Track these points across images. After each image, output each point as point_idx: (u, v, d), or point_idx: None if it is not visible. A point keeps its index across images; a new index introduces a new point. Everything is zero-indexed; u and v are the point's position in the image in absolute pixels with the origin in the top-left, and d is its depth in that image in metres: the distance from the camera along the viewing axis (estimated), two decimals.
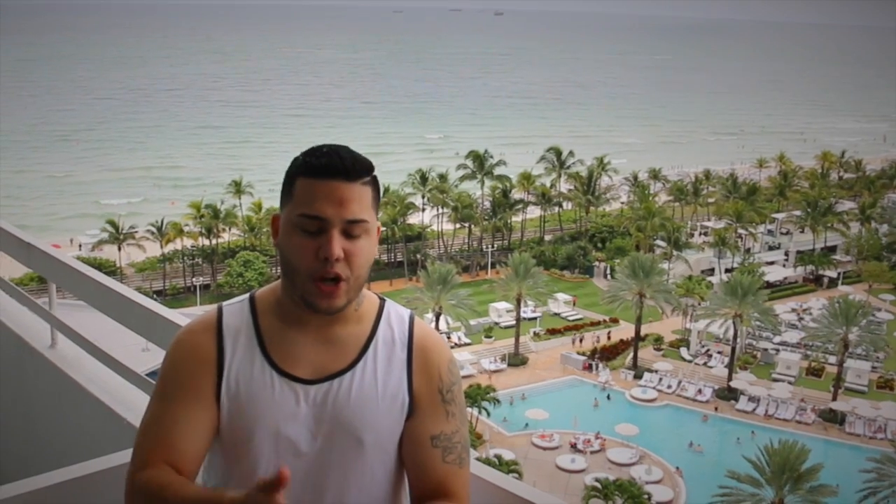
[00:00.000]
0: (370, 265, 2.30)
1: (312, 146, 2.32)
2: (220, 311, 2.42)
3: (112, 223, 72.15)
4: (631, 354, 62.07)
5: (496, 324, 67.43)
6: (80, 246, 77.74)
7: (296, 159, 2.31)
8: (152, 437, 2.30)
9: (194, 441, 2.30)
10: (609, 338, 65.71)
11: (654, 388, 58.67)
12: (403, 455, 2.41)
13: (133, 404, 4.34)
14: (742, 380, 58.51)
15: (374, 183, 2.32)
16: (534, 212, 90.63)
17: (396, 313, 2.44)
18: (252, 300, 2.43)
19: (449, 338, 63.44)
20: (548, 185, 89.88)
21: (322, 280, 2.22)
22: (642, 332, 63.36)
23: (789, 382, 58.65)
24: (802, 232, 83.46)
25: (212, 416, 2.31)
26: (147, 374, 4.43)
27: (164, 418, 2.30)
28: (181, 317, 3.93)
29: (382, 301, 2.46)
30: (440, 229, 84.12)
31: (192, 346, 2.36)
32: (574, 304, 71.54)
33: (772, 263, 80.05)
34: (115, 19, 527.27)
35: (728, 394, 57.52)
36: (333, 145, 2.30)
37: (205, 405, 2.31)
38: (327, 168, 2.24)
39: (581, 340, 64.62)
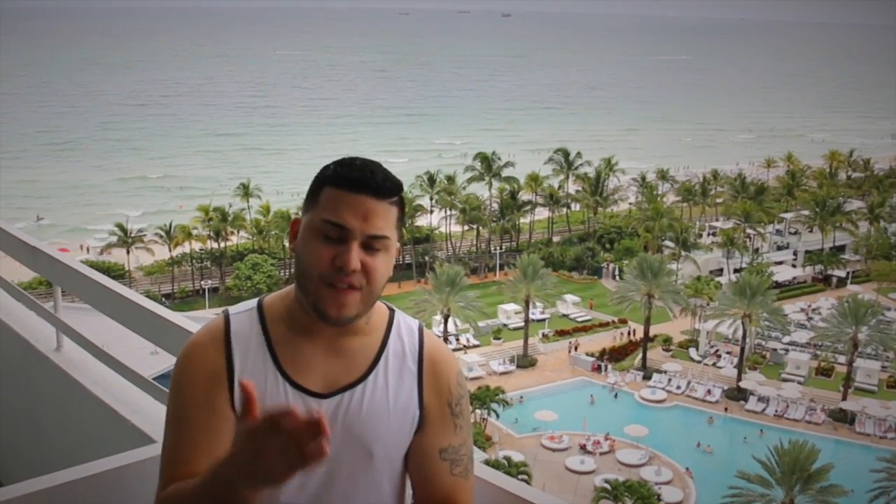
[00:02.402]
0: (385, 281, 2.28)
1: (344, 157, 2.30)
2: (227, 319, 2.37)
3: (120, 227, 72.39)
4: (640, 355, 62.03)
5: (505, 325, 67.44)
6: (87, 249, 77.99)
7: (326, 167, 2.29)
8: (174, 463, 2.27)
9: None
10: (633, 334, 65.48)
11: (663, 388, 58.62)
12: (410, 467, 2.41)
13: (138, 406, 4.37)
14: (751, 380, 58.42)
15: (401, 203, 2.31)
16: (542, 213, 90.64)
17: (406, 324, 2.43)
18: (260, 308, 2.39)
19: (458, 340, 63.49)
20: (556, 186, 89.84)
21: (335, 286, 2.19)
22: (651, 333, 63.32)
23: (799, 382, 58.56)
24: (811, 231, 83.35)
25: (231, 428, 2.22)
26: (155, 378, 4.45)
27: (183, 443, 2.27)
28: (186, 320, 3.95)
29: (392, 312, 2.44)
30: (448, 231, 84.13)
31: (200, 360, 2.32)
32: (591, 307, 71.43)
33: (780, 263, 79.92)
34: (118, 23, 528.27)
35: (737, 394, 57.46)
36: (367, 160, 2.29)
37: (222, 418, 2.27)
38: (358, 182, 2.22)
39: (576, 348, 64.09)
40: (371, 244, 2.21)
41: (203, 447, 2.25)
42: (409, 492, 2.50)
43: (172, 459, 2.28)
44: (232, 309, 2.42)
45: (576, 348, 64.02)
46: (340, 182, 2.23)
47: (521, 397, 55.81)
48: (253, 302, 2.42)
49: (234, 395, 2.28)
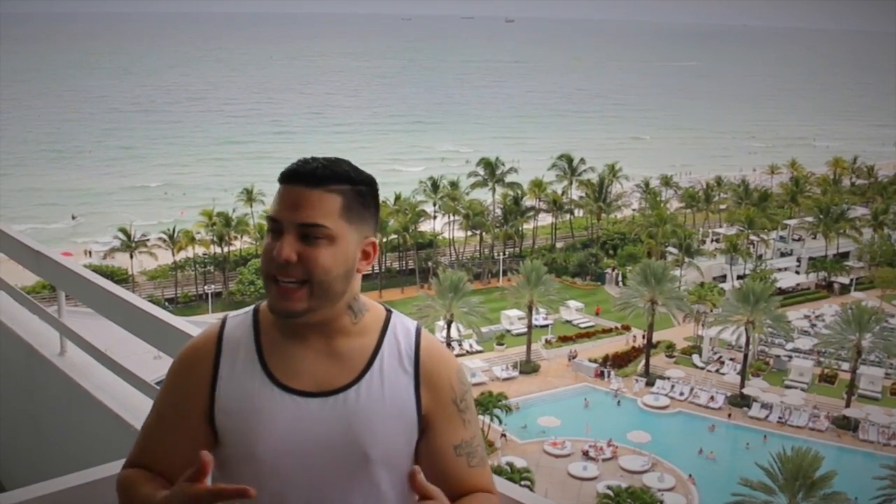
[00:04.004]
0: (341, 274, 2.26)
1: None
2: (223, 323, 2.42)
3: (124, 231, 72.42)
4: (643, 362, 61.98)
5: (508, 331, 67.36)
6: (89, 254, 77.94)
7: None
8: (143, 445, 2.42)
9: (179, 458, 2.33)
10: (642, 338, 65.15)
11: (666, 395, 58.51)
12: (426, 468, 2.35)
13: (141, 411, 4.36)
14: (755, 387, 58.33)
15: (356, 193, 2.31)
16: (545, 219, 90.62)
17: (402, 325, 2.42)
18: (256, 312, 2.42)
19: (460, 345, 63.45)
20: (559, 192, 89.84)
21: (277, 280, 2.22)
22: (654, 339, 63.26)
23: (802, 389, 58.45)
24: (815, 238, 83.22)
25: (200, 437, 2.33)
26: (156, 382, 4.45)
27: (154, 433, 2.41)
28: (188, 324, 3.96)
29: (389, 313, 2.44)
30: (451, 237, 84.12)
31: (189, 362, 2.38)
32: (598, 313, 71.31)
33: (784, 270, 79.81)
34: (117, 27, 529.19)
35: (741, 401, 57.35)
36: (319, 156, 2.33)
37: (192, 426, 2.34)
38: (291, 173, 2.28)
39: (574, 357, 63.53)
40: (307, 233, 2.22)
41: (168, 445, 2.37)
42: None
43: (142, 444, 2.43)
44: (231, 314, 2.46)
45: (573, 357, 63.71)
46: (281, 178, 2.30)
47: (517, 404, 55.03)
48: (251, 307, 2.46)
49: (214, 402, 2.33)
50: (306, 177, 2.25)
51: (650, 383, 59.83)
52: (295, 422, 2.27)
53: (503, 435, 51.34)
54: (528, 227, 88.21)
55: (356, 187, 2.30)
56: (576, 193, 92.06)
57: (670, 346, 64.82)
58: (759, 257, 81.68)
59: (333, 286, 2.26)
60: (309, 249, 2.21)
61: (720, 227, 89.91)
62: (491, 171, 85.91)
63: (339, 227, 2.25)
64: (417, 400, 2.35)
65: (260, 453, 2.27)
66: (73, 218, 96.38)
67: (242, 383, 2.31)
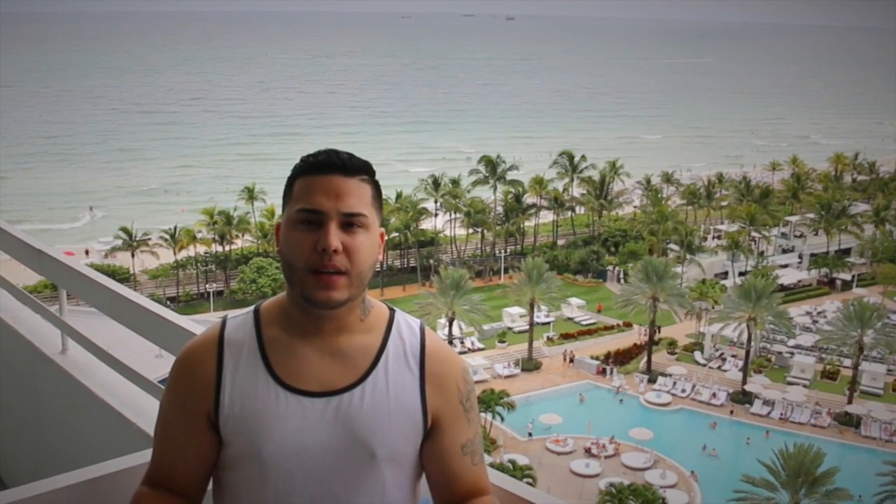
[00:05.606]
0: (372, 263, 2.29)
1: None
2: (223, 324, 2.41)
3: (125, 230, 72.38)
4: (644, 359, 61.97)
5: (509, 329, 67.40)
6: (87, 252, 77.79)
7: (295, 164, 2.34)
8: (155, 459, 2.43)
9: (190, 465, 2.37)
10: (644, 334, 65.08)
11: (668, 392, 58.53)
12: (433, 469, 2.42)
13: (142, 409, 4.37)
14: (756, 383, 58.34)
15: (374, 184, 2.34)
16: (547, 216, 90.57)
17: (407, 324, 2.42)
18: (257, 312, 2.41)
19: (462, 343, 63.46)
20: (560, 189, 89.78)
21: (320, 272, 2.21)
22: (656, 337, 63.23)
23: (804, 386, 58.46)
24: (816, 235, 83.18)
25: (208, 441, 2.34)
26: (159, 381, 4.45)
27: (163, 442, 2.41)
28: (191, 323, 3.95)
29: (392, 311, 2.44)
30: (453, 234, 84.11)
31: (190, 365, 2.37)
32: (600, 311, 71.28)
33: (786, 266, 79.84)
34: (116, 27, 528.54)
35: (742, 397, 57.37)
36: (331, 148, 2.34)
37: (199, 430, 2.34)
38: (324, 164, 2.28)
39: (572, 360, 63.28)
40: (349, 222, 2.24)
41: (178, 454, 2.38)
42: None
43: (154, 458, 2.44)
44: (231, 314, 2.47)
45: (571, 360, 63.49)
46: (308, 169, 2.29)
47: (514, 403, 54.02)
48: (251, 308, 2.46)
49: (220, 404, 2.32)
50: (342, 166, 2.27)
51: (652, 380, 59.85)
52: (300, 423, 2.26)
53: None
54: (529, 224, 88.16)
55: (373, 178, 2.34)
56: (577, 191, 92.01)
57: (672, 343, 64.83)
58: (761, 254, 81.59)
59: (367, 275, 2.29)
60: (349, 239, 2.23)
61: (722, 223, 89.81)
62: (492, 168, 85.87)
63: (372, 216, 2.28)
64: (423, 399, 2.35)
65: (265, 454, 2.26)
66: (91, 209, 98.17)
67: (247, 385, 2.30)
